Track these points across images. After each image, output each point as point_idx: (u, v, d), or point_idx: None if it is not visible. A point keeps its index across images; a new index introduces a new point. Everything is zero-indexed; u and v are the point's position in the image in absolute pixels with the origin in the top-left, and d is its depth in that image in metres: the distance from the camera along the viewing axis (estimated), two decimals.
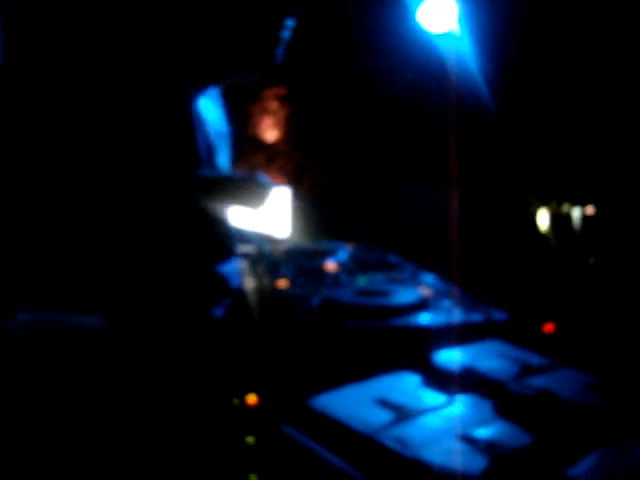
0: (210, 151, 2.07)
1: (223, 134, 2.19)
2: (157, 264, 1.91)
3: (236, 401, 1.72)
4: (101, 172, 1.88)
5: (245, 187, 1.98)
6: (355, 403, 1.32)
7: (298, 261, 2.44)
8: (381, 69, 3.86)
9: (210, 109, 2.10)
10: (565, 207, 3.23)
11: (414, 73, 3.77)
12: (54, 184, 2.89)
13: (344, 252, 2.50)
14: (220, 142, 2.15)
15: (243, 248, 2.71)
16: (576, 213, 3.18)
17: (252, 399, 1.56)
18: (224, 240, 2.07)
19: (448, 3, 3.12)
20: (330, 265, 2.26)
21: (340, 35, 3.96)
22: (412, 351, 1.61)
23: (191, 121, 1.95)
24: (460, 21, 3.21)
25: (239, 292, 2.07)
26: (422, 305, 1.85)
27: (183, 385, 1.83)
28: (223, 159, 2.17)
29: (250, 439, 1.59)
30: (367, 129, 4.06)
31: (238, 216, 2.09)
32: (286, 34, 1.96)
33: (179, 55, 1.92)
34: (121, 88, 1.87)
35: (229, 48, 1.95)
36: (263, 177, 2.00)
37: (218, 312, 1.99)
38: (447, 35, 3.27)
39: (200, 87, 2.01)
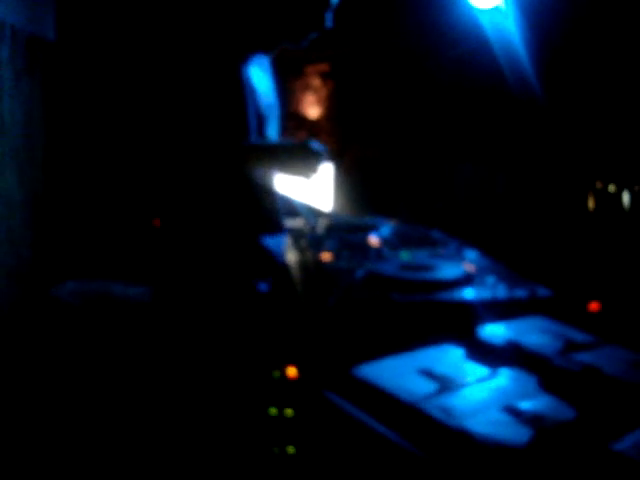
0: (260, 120, 2.07)
1: (272, 105, 2.19)
2: (205, 235, 1.93)
3: (276, 374, 1.75)
4: (151, 141, 1.90)
5: (298, 154, 1.97)
6: (399, 373, 1.33)
7: (341, 236, 2.44)
8: (426, 45, 3.83)
9: (261, 79, 2.10)
10: (612, 186, 3.18)
11: (461, 50, 3.72)
12: (103, 154, 2.94)
13: (387, 227, 2.50)
14: (269, 112, 2.15)
15: (287, 222, 2.73)
16: (623, 192, 3.12)
17: (292, 372, 1.58)
18: (272, 213, 2.08)
19: None
20: (373, 240, 2.26)
21: (386, 11, 3.92)
22: (456, 325, 1.61)
23: (242, 89, 1.94)
24: None
25: (284, 267, 2.08)
26: (466, 280, 1.85)
27: (224, 357, 1.86)
28: (272, 130, 2.18)
29: (289, 411, 1.61)
30: (412, 105, 4.03)
31: (286, 186, 2.10)
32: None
33: (229, 21, 1.92)
34: (172, 56, 1.88)
35: (278, 12, 1.94)
36: (316, 144, 2.00)
37: (263, 286, 2.00)
38: (493, 11, 3.22)
39: (250, 53, 2.01)
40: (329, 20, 1.97)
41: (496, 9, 3.21)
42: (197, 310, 1.90)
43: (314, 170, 1.97)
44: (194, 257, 1.94)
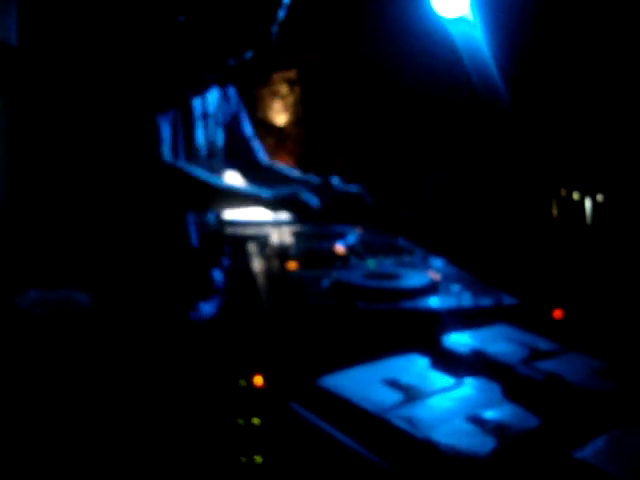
0: (212, 146, 2.03)
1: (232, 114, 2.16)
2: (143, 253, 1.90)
3: (242, 382, 1.73)
4: (107, 148, 1.86)
5: (284, 207, 1.92)
6: (365, 383, 1.32)
7: (307, 244, 2.44)
8: (394, 54, 3.85)
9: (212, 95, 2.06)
10: (576, 194, 3.22)
11: (427, 58, 3.75)
12: (63, 162, 2.89)
13: (353, 235, 2.50)
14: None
15: (251, 230, 2.71)
16: (587, 200, 3.17)
17: (258, 380, 1.57)
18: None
19: None
20: (339, 248, 2.26)
21: (353, 19, 3.94)
22: (421, 334, 1.61)
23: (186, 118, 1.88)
24: (472, 6, 3.18)
25: (226, 290, 2.07)
26: (431, 289, 1.85)
27: (185, 367, 1.84)
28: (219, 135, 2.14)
29: (256, 420, 1.60)
30: (378, 113, 4.04)
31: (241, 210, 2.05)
32: (281, 13, 1.89)
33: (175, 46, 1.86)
34: (109, 84, 1.83)
35: (218, 28, 1.86)
36: (307, 197, 1.93)
37: (206, 309, 1.98)
38: (460, 20, 3.24)
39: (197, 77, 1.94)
40: (275, 33, 1.91)
41: (462, 19, 3.24)
42: (146, 321, 1.88)
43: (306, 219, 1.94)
44: (136, 266, 1.92)
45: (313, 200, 1.91)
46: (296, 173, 2.32)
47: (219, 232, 2.08)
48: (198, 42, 1.88)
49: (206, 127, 2.00)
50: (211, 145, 2.03)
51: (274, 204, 1.90)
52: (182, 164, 1.84)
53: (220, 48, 1.89)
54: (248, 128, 2.26)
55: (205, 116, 2.00)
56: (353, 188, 2.13)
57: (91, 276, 2.02)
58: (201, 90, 1.98)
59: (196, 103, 1.97)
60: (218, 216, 2.08)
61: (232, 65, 1.92)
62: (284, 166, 2.42)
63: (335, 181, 2.11)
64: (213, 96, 2.07)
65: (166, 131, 1.83)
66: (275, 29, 1.89)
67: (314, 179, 2.20)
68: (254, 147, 2.27)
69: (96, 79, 1.88)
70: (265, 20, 1.86)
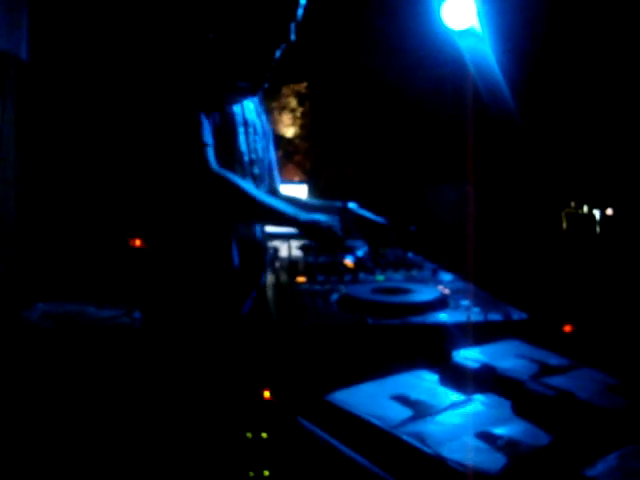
0: (254, 153, 2.02)
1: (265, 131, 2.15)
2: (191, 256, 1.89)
3: (252, 397, 1.73)
4: (127, 160, 1.86)
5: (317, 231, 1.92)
6: (374, 399, 1.32)
7: (316, 257, 2.44)
8: (401, 67, 3.86)
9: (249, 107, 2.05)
10: (584, 208, 3.21)
11: (434, 72, 3.76)
12: (76, 173, 2.90)
13: (362, 250, 2.50)
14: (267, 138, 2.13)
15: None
16: (596, 214, 3.15)
17: (266, 395, 1.57)
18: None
19: (469, 0, 3.11)
20: (348, 262, 2.26)
21: (360, 32, 3.95)
22: (430, 349, 1.60)
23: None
24: (480, 18, 3.19)
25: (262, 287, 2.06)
26: (441, 304, 1.85)
27: (199, 381, 1.84)
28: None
29: (263, 434, 1.60)
30: (386, 127, 4.05)
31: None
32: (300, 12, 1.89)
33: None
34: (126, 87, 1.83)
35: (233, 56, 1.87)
36: (329, 223, 1.93)
37: (247, 305, 1.96)
38: (468, 32, 3.25)
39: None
40: (279, 55, 1.91)
41: (471, 31, 3.25)
42: (187, 333, 1.86)
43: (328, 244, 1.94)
44: (185, 277, 1.89)
45: (339, 231, 1.91)
46: (314, 201, 2.32)
47: (262, 246, 2.06)
48: (228, 53, 1.89)
49: (247, 134, 2.00)
50: (252, 152, 2.02)
51: (308, 229, 1.90)
52: (229, 174, 1.81)
53: (247, 58, 1.90)
54: (273, 155, 2.26)
55: (245, 124, 2.00)
56: (370, 214, 2.13)
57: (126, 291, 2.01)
58: (236, 97, 1.97)
59: (236, 110, 1.96)
60: (262, 230, 2.06)
61: (261, 72, 1.93)
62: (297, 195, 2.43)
63: (352, 206, 2.12)
64: (251, 105, 2.06)
65: (210, 136, 1.81)
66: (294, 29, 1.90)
67: (331, 205, 2.20)
68: (274, 177, 2.26)
69: (121, 86, 1.88)
70: (286, 22, 1.87)
